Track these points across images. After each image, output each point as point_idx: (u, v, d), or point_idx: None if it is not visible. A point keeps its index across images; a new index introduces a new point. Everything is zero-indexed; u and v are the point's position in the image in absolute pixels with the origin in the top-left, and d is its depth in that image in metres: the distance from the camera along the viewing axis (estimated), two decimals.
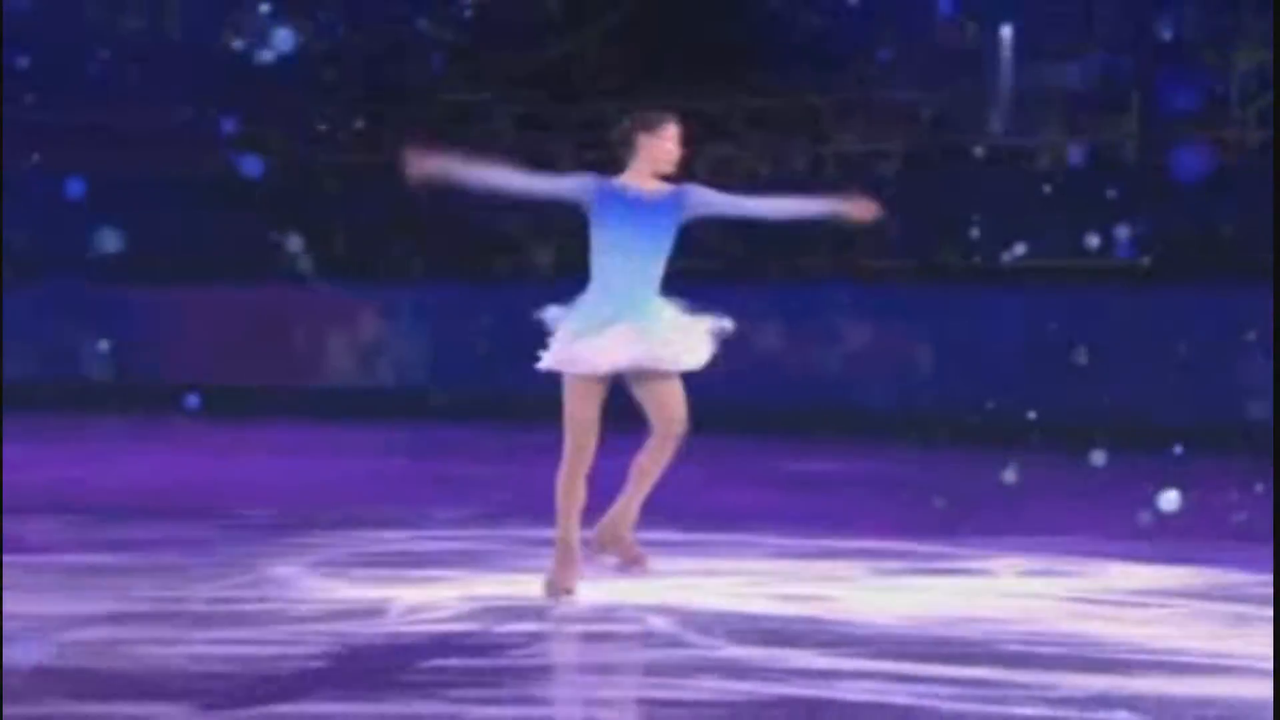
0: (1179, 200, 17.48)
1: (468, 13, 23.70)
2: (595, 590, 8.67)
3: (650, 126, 8.41)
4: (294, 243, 21.07)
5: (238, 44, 23.46)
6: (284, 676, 6.94)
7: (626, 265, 8.32)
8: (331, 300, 21.26)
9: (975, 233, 18.43)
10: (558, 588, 8.40)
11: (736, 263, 18.64)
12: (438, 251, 21.20)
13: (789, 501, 12.84)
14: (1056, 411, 16.48)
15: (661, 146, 8.39)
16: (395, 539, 10.68)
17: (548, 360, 8.37)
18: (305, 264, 20.99)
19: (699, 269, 18.36)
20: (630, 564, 8.58)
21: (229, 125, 22.42)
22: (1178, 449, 14.53)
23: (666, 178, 8.44)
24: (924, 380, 18.19)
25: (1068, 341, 17.26)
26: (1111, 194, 17.76)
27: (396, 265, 21.51)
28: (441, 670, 7.12)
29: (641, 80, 21.18)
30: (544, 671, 7.18)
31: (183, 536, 10.62)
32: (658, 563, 8.81)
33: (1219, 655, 7.59)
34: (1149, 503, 11.41)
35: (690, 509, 11.17)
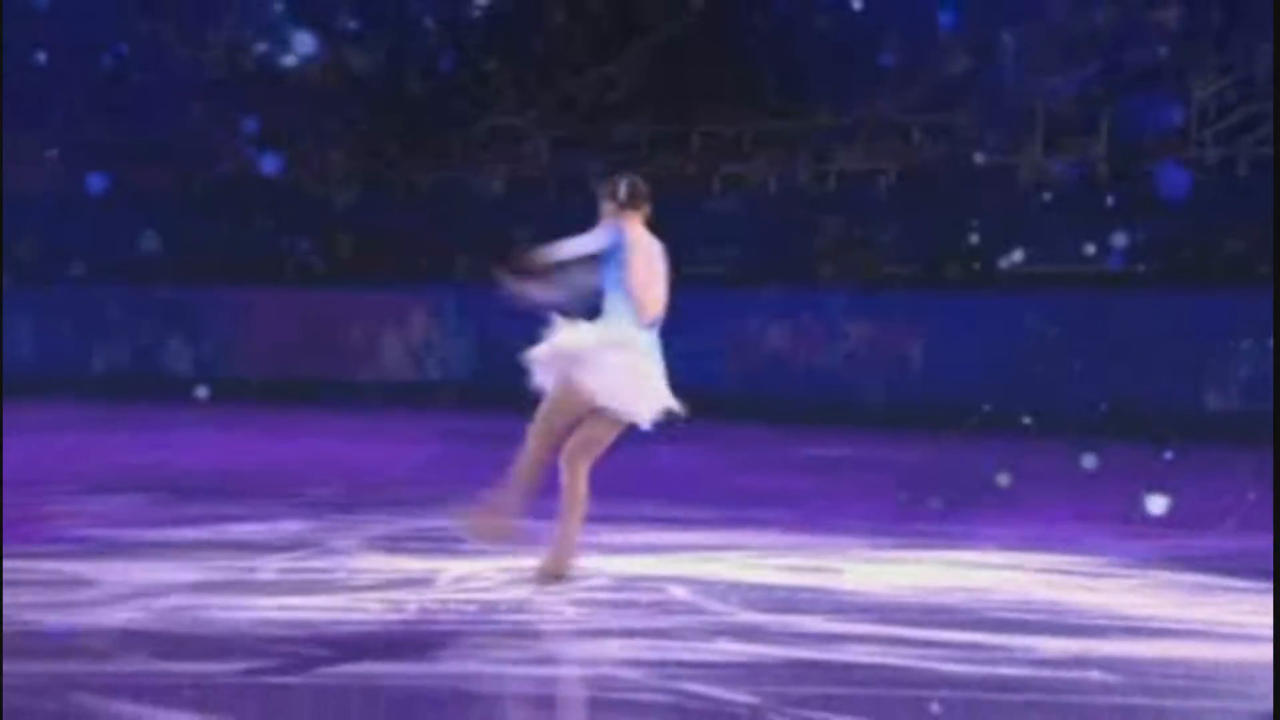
0: (1150, 215, 17.42)
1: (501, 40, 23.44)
2: (621, 563, 8.66)
3: (631, 189, 8.22)
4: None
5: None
6: (341, 639, 6.94)
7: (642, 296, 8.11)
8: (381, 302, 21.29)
9: (973, 240, 18.36)
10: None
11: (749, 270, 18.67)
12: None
13: (798, 484, 12.81)
14: (1036, 405, 16.44)
15: (642, 205, 8.23)
16: (445, 516, 10.67)
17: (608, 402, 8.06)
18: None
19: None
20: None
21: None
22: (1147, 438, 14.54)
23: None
24: (920, 376, 18.16)
25: (1050, 341, 17.22)
26: (1088, 208, 17.71)
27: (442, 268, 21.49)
28: (484, 634, 7.11)
29: (664, 105, 21.17)
30: (575, 635, 7.17)
31: (254, 513, 10.62)
32: (678, 537, 8.79)
33: (1183, 621, 7.57)
34: (1124, 489, 11.39)
35: (707, 490, 11.16)
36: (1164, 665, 6.67)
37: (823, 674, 6.48)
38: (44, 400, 19.58)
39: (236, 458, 14.71)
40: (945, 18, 20.27)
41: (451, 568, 8.55)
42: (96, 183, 22.28)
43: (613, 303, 8.07)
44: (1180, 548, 9.67)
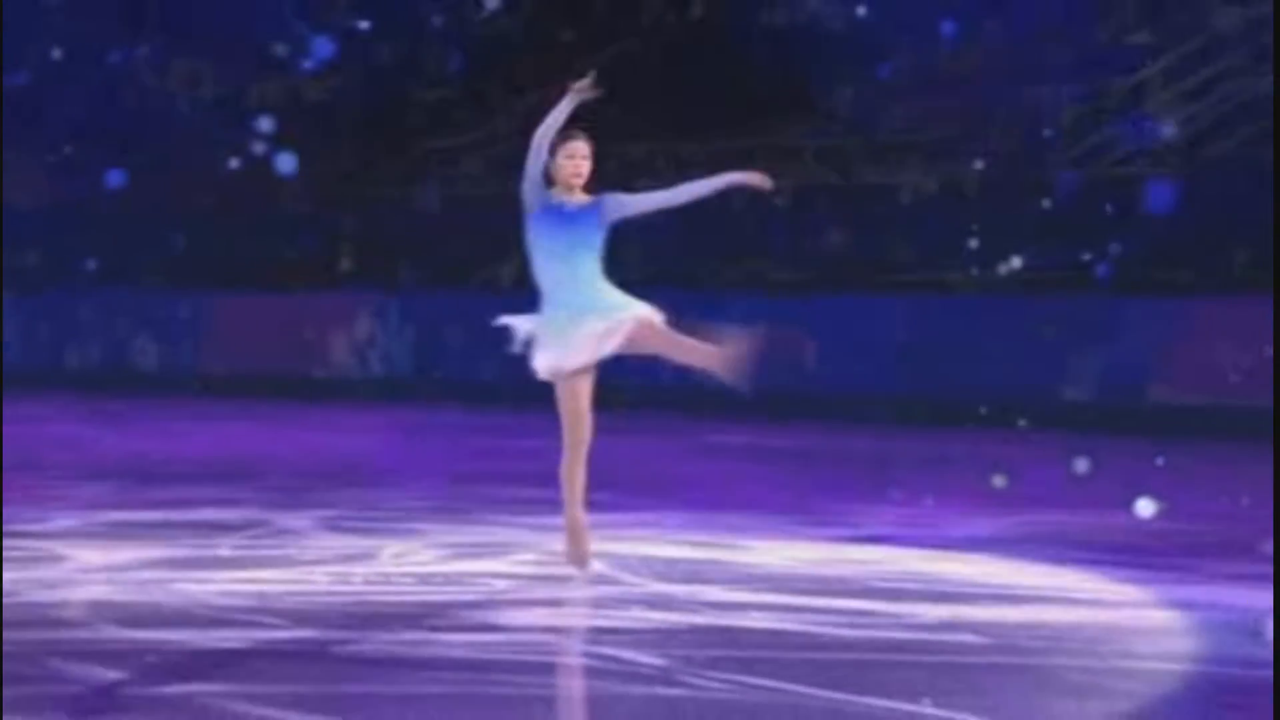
0: (1021, 223, 17.50)
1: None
2: (550, 539, 8.64)
3: (554, 149, 7.62)
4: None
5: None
6: (292, 610, 6.90)
7: (561, 272, 7.59)
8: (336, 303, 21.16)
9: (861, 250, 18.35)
10: (578, 562, 7.73)
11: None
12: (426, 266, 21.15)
13: (705, 469, 12.82)
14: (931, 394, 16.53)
15: (565, 165, 7.62)
16: (387, 498, 10.64)
17: (542, 372, 7.65)
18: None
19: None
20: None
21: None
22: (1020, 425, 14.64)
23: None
24: (813, 371, 18.19)
25: (926, 339, 17.30)
26: (958, 220, 17.79)
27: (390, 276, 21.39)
28: (421, 604, 7.08)
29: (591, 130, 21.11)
30: (504, 605, 7.15)
31: (214, 497, 10.55)
32: (597, 517, 8.77)
33: (1046, 589, 7.61)
34: (990, 471, 11.45)
35: (624, 475, 11.15)
36: (1028, 628, 6.71)
37: (726, 638, 6.48)
38: (23, 395, 19.38)
39: (199, 447, 14.61)
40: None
41: (392, 545, 8.51)
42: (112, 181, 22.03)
43: (545, 279, 7.66)
44: (1040, 524, 9.73)
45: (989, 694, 5.63)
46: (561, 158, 7.60)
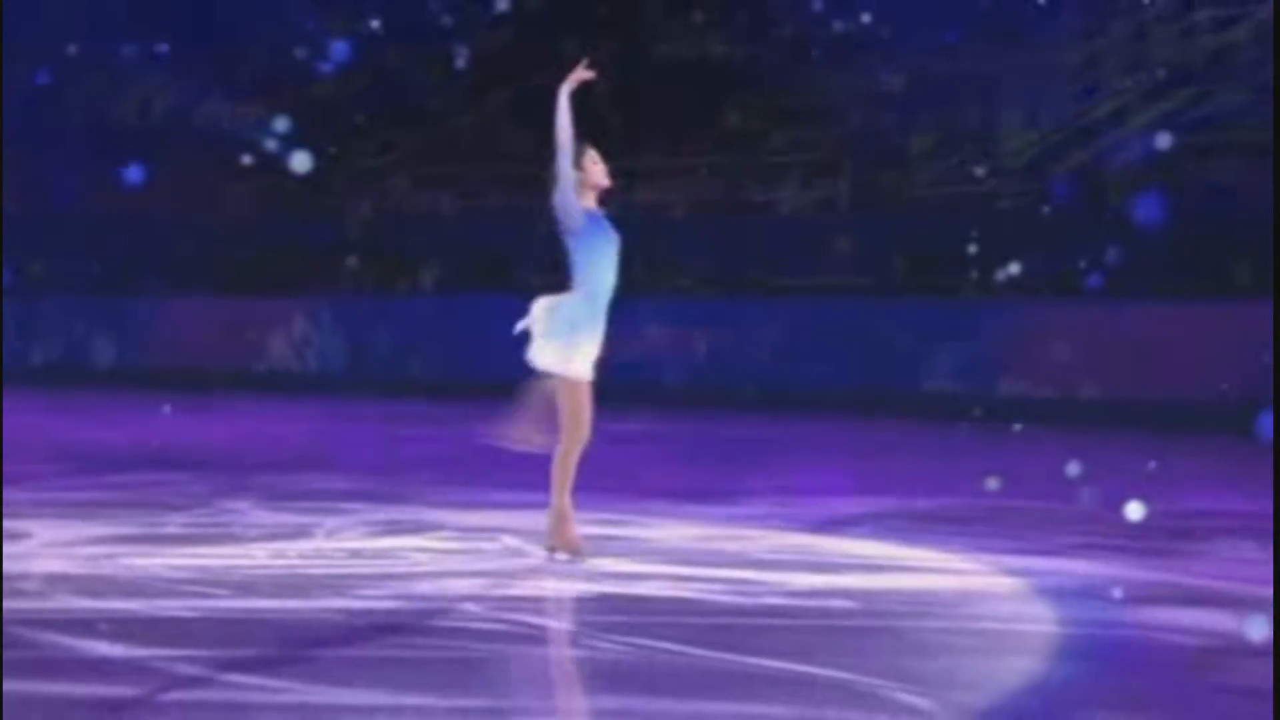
0: (884, 236, 17.62)
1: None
2: (467, 517, 8.62)
3: (579, 161, 7.24)
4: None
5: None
6: (234, 581, 6.85)
7: (612, 282, 7.28)
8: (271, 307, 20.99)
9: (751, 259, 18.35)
10: (570, 547, 7.35)
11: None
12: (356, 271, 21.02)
13: (608, 454, 12.83)
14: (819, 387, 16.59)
15: (594, 170, 7.28)
16: (320, 480, 10.57)
17: (584, 373, 7.26)
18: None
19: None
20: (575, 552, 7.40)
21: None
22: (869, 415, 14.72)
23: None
24: (705, 366, 18.25)
25: (806, 338, 17.38)
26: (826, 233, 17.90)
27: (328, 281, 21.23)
28: (352, 576, 7.04)
29: (501, 151, 21.06)
30: (427, 575, 7.12)
31: (164, 480, 10.44)
32: (511, 497, 8.76)
33: (908, 560, 7.67)
34: (862, 455, 11.54)
35: (533, 460, 11.14)
36: (891, 594, 6.76)
37: (626, 605, 6.50)
38: None
39: (151, 434, 14.45)
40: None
41: (326, 522, 8.46)
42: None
43: (594, 282, 7.28)
44: (900, 505, 9.81)
45: (856, 653, 5.68)
46: (588, 163, 7.26)
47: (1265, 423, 10.80)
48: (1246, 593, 6.76)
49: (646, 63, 21.46)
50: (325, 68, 22.83)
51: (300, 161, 20.43)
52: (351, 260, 21.04)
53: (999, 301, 16.58)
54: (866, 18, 19.66)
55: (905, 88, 19.71)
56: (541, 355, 7.30)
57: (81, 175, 22.73)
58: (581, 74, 7.29)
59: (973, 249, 16.68)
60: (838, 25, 19.91)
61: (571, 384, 7.31)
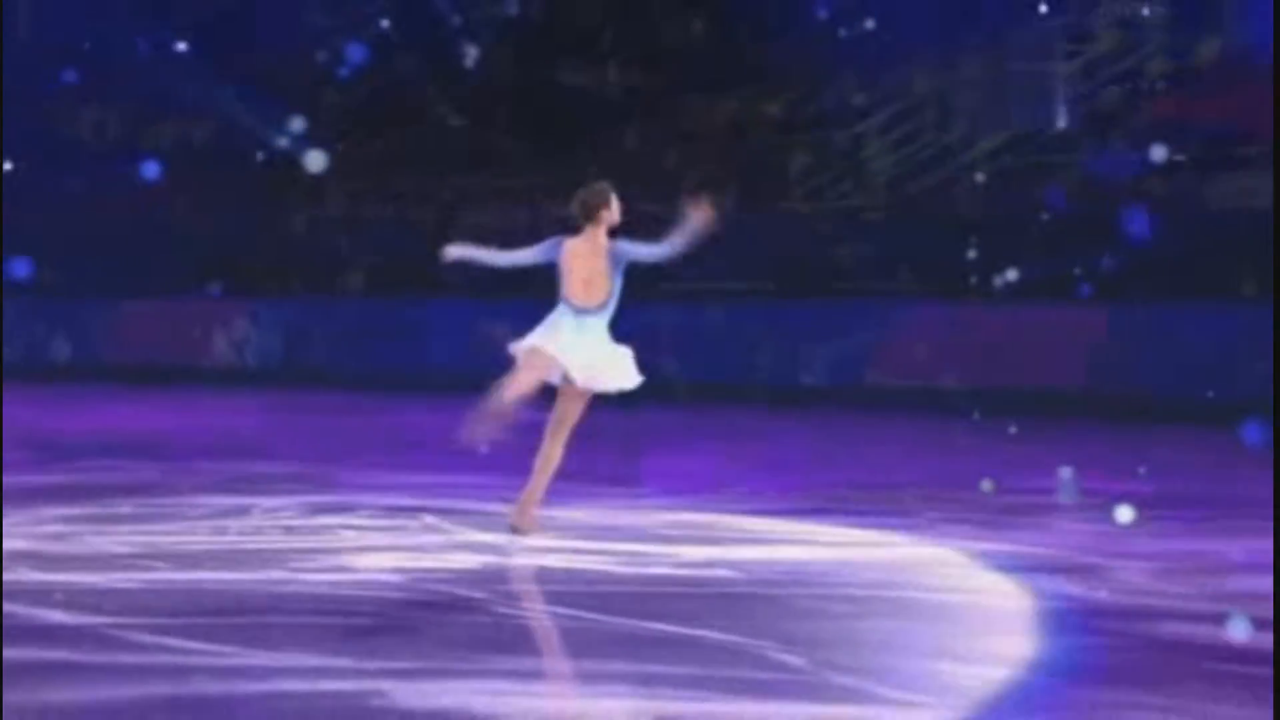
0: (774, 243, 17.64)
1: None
2: (391, 498, 8.60)
3: (609, 202, 7.50)
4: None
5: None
6: (179, 555, 6.80)
7: (563, 289, 7.54)
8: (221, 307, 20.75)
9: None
10: (529, 528, 7.38)
11: None
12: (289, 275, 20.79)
13: (515, 439, 12.81)
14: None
15: (616, 212, 7.55)
16: (259, 465, 10.49)
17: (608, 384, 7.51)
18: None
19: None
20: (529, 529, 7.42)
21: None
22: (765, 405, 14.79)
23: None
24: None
25: (724, 335, 17.30)
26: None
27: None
28: (286, 551, 7.02)
29: (430, 166, 20.87)
30: (353, 550, 7.11)
31: (116, 465, 10.33)
32: (431, 479, 8.73)
33: (789, 533, 7.74)
34: (758, 441, 11.60)
35: (445, 446, 11.12)
36: (770, 564, 6.83)
37: (534, 576, 6.51)
38: None
39: (105, 424, 14.28)
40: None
41: (263, 503, 8.40)
42: None
43: (563, 296, 7.49)
44: (787, 483, 9.89)
45: (741, 617, 5.74)
46: (585, 211, 7.53)
47: (1251, 430, 10.21)
48: (1075, 561, 6.91)
49: (548, 87, 21.28)
50: None
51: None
52: (287, 266, 20.83)
53: (869, 303, 16.71)
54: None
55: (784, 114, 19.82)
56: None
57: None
58: (460, 251, 7.49)
59: (844, 250, 16.83)
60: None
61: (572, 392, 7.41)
